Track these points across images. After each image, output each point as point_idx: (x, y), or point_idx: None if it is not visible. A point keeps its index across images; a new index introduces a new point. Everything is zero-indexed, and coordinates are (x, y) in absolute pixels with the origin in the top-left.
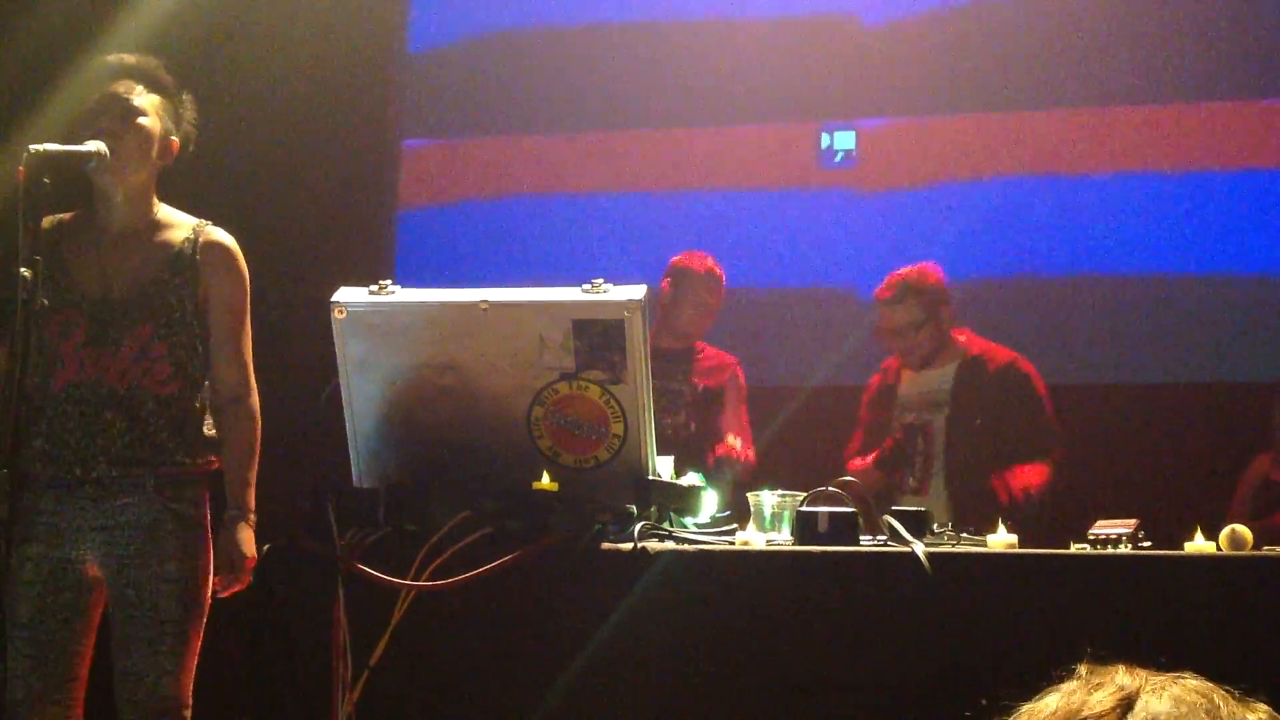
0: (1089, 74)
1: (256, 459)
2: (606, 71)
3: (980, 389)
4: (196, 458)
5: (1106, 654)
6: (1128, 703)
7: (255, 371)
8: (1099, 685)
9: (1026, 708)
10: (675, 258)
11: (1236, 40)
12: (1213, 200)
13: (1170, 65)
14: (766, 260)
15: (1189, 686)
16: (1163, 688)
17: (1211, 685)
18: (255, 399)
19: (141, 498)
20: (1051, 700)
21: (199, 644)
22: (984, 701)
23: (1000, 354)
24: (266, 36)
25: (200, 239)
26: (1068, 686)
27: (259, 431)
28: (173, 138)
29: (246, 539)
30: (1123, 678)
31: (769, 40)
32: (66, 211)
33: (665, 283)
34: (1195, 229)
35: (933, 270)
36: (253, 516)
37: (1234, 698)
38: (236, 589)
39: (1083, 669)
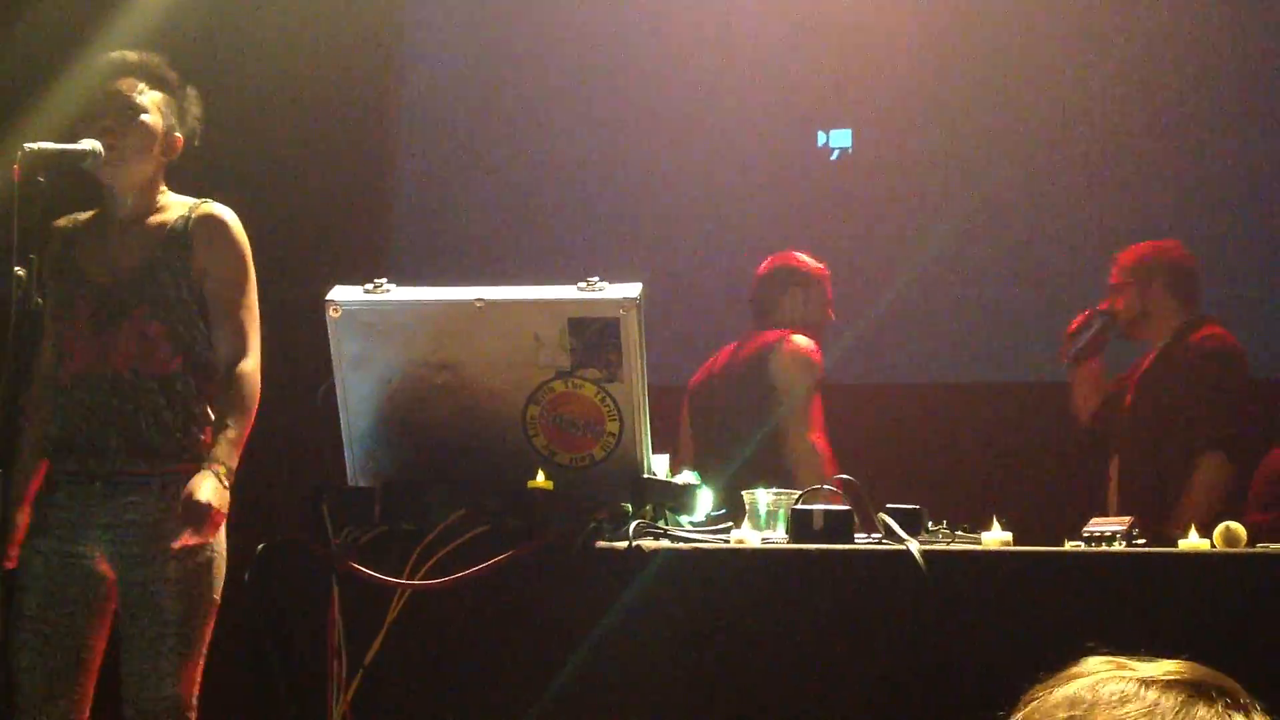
0: (1094, 77)
1: (246, 421)
2: (602, 71)
3: (1166, 368)
4: (203, 452)
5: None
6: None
7: None
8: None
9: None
10: (783, 262)
11: (1234, 44)
12: (1212, 195)
13: (1167, 70)
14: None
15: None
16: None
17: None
18: (252, 364)
19: (147, 497)
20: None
21: (205, 646)
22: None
23: (1201, 335)
24: (264, 34)
25: (194, 214)
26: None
27: (253, 395)
28: (176, 134)
29: (206, 486)
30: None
31: (767, 40)
32: (81, 210)
33: (794, 293)
34: (1192, 227)
35: (1158, 245)
36: (225, 471)
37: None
38: (190, 541)
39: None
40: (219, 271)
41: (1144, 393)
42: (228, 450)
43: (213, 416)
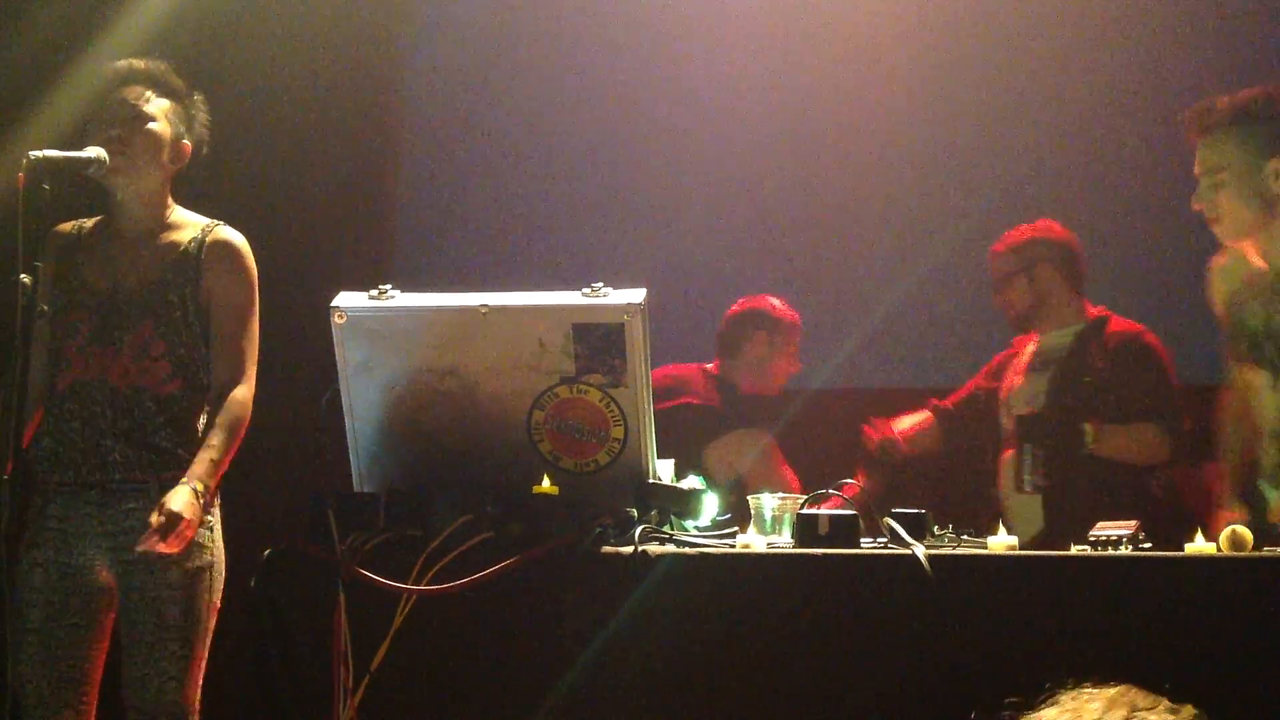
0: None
1: (231, 445)
2: (606, 77)
3: (1096, 353)
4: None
5: (1109, 669)
6: None
7: (257, 376)
8: (1082, 716)
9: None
10: (754, 305)
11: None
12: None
13: (1164, 77)
14: (766, 265)
15: None
16: None
17: None
18: (246, 391)
19: (146, 503)
20: (1049, 715)
21: (205, 650)
22: (973, 715)
23: (1127, 325)
24: (268, 39)
25: (207, 238)
26: (1063, 705)
27: (242, 420)
28: (184, 141)
29: (179, 497)
30: (1108, 714)
31: (771, 45)
32: (87, 217)
33: (760, 336)
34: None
35: (1044, 225)
36: (202, 488)
37: None
38: (153, 545)
39: (1082, 690)
40: (227, 298)
41: (1063, 386)
42: (208, 469)
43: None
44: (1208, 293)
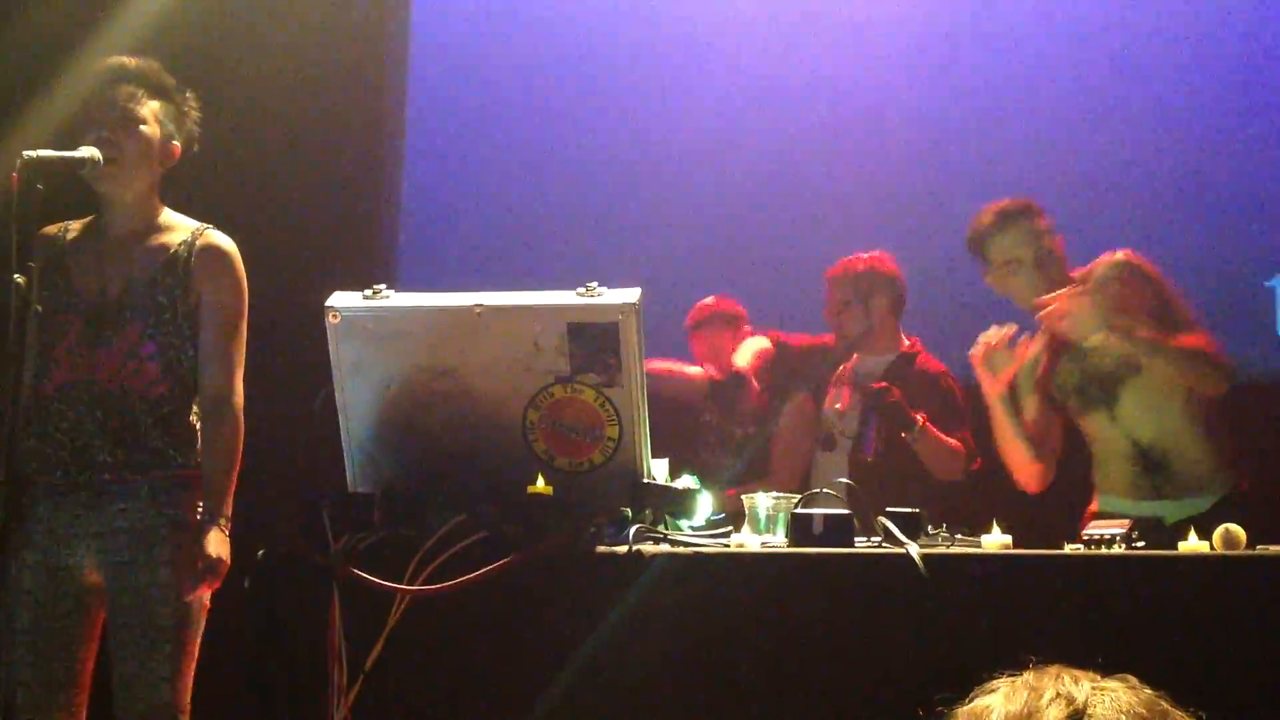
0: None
1: (236, 464)
2: (602, 78)
3: (904, 381)
4: (190, 460)
5: (1103, 667)
6: (1076, 715)
7: (250, 376)
8: (1042, 692)
9: (963, 710)
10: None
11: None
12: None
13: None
14: (760, 265)
15: (1134, 698)
16: (1109, 696)
17: (1154, 693)
18: (238, 403)
19: (136, 504)
20: (991, 702)
21: (196, 650)
22: (920, 712)
23: (932, 364)
24: (264, 36)
25: (197, 242)
26: (1007, 689)
27: (240, 436)
28: (174, 142)
29: (214, 541)
30: (1069, 685)
31: (767, 46)
32: (75, 218)
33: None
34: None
35: (879, 259)
36: (225, 521)
37: (1172, 705)
38: (202, 591)
39: (1028, 674)
40: (217, 303)
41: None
42: (224, 499)
43: (199, 434)
44: (988, 384)
